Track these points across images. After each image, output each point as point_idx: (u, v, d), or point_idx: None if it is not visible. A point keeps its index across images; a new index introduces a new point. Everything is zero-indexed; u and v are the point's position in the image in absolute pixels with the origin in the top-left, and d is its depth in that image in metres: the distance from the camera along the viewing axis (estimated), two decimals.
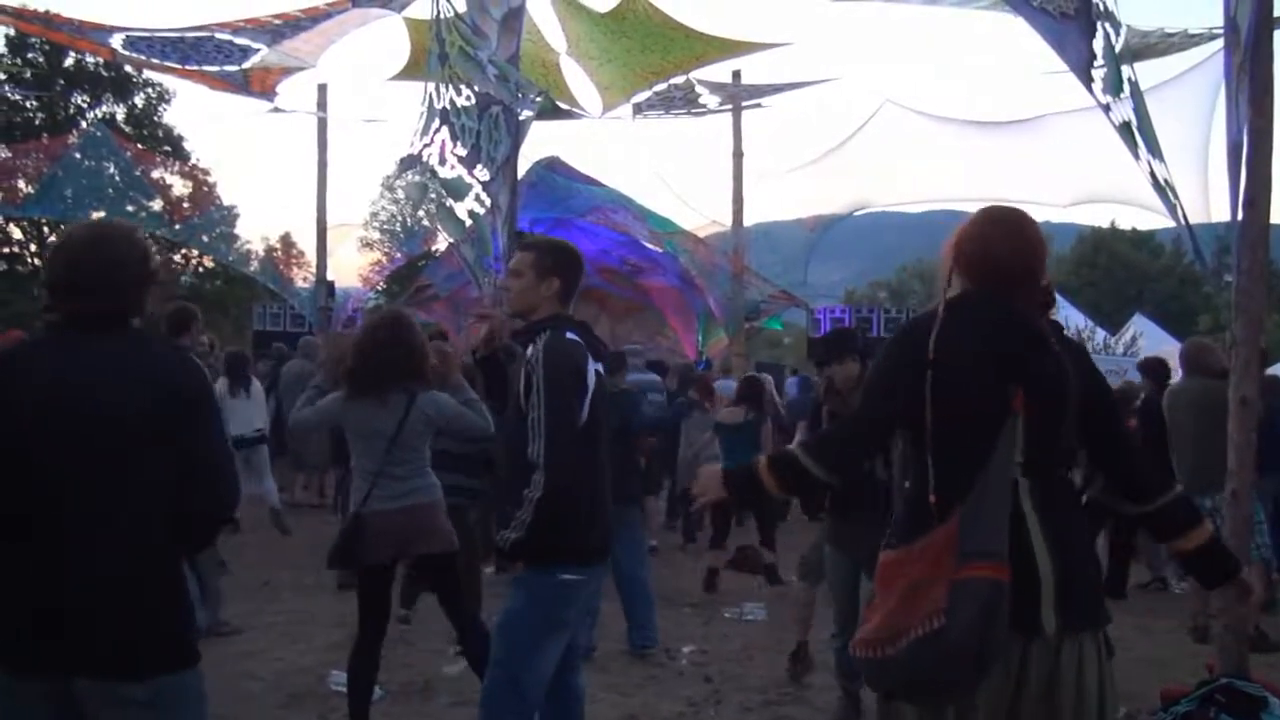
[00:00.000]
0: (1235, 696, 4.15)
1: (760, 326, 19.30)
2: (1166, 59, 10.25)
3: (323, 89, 14.75)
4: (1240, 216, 3.98)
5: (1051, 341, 2.26)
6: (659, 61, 10.79)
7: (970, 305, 2.27)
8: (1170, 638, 6.34)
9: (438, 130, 9.64)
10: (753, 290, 15.34)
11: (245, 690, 4.90)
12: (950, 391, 2.19)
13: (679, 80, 11.12)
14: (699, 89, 11.59)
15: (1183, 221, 4.35)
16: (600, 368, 3.16)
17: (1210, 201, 8.95)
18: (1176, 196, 4.27)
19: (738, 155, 14.59)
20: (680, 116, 12.68)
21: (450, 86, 9.36)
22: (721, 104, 12.52)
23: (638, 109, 11.59)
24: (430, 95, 9.62)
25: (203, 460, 2.19)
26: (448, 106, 9.50)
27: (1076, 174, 11.36)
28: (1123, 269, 47.69)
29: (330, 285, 16.24)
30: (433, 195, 10.11)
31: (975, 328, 2.22)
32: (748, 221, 15.03)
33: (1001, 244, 2.29)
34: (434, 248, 19.79)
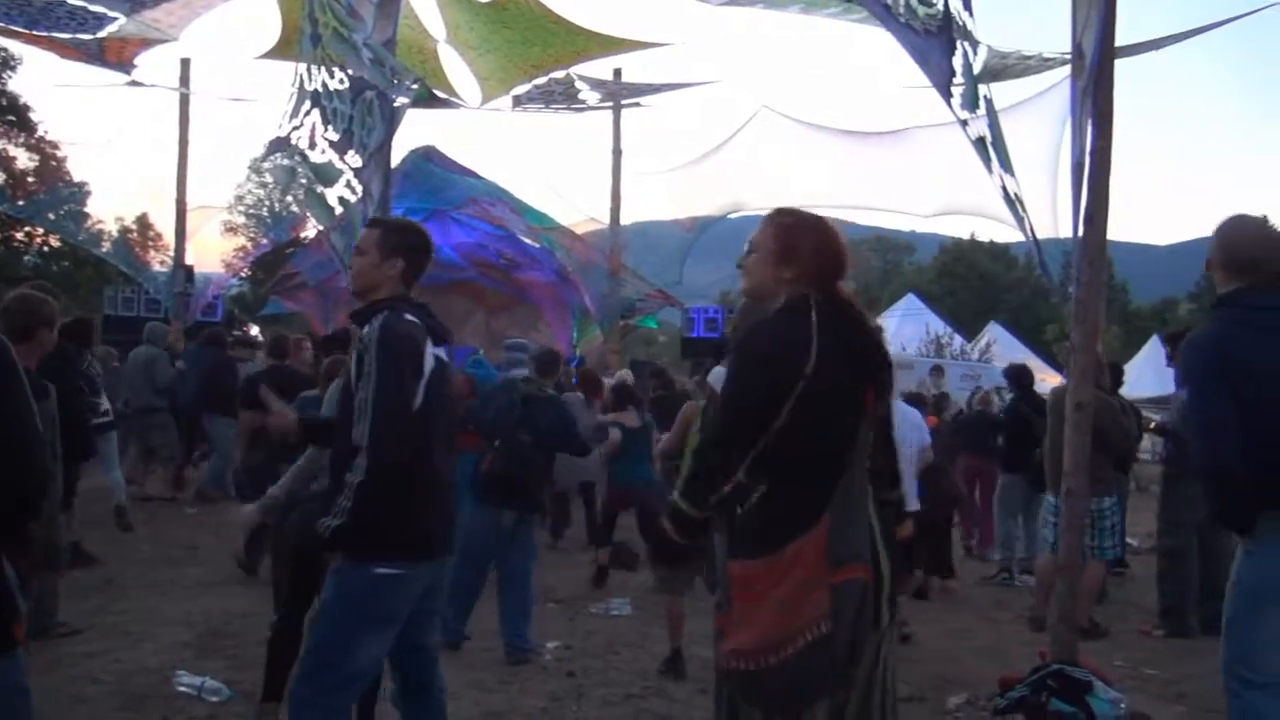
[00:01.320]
0: (1065, 681, 4.42)
1: (635, 325, 19.43)
2: (1024, 80, 10.82)
3: (186, 63, 14.10)
4: (1080, 232, 4.23)
5: (876, 327, 2.40)
6: (540, 55, 10.70)
7: (827, 308, 2.28)
8: (1012, 628, 6.70)
9: (308, 113, 9.32)
10: (629, 288, 15.46)
11: (82, 693, 4.63)
12: (821, 403, 2.20)
13: (559, 75, 11.06)
14: (579, 85, 11.56)
15: (1030, 234, 4.60)
16: (441, 352, 3.02)
17: (1059, 217, 9.47)
18: (1025, 210, 4.51)
19: (617, 153, 14.67)
20: (560, 112, 12.63)
21: (322, 68, 9.07)
22: (602, 101, 12.53)
23: (517, 102, 11.48)
24: (301, 76, 9.30)
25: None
26: (319, 89, 9.20)
27: (939, 186, 11.85)
28: (980, 279, 50.11)
29: (189, 270, 15.55)
30: (302, 180, 9.78)
31: (837, 334, 2.25)
32: (625, 220, 15.14)
33: (833, 245, 2.38)
34: (302, 234, 19.17)
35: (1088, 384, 4.33)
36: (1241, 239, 3.20)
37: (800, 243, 2.36)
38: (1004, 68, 10.76)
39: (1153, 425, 6.72)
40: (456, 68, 11.11)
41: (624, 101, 13.72)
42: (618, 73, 13.21)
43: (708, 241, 15.97)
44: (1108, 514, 6.33)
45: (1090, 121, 4.19)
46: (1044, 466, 6.34)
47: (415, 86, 9.33)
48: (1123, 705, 4.50)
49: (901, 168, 12.24)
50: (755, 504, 2.25)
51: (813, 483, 2.20)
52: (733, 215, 15.13)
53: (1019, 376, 8.84)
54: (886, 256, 66.52)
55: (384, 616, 2.86)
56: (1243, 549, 3.10)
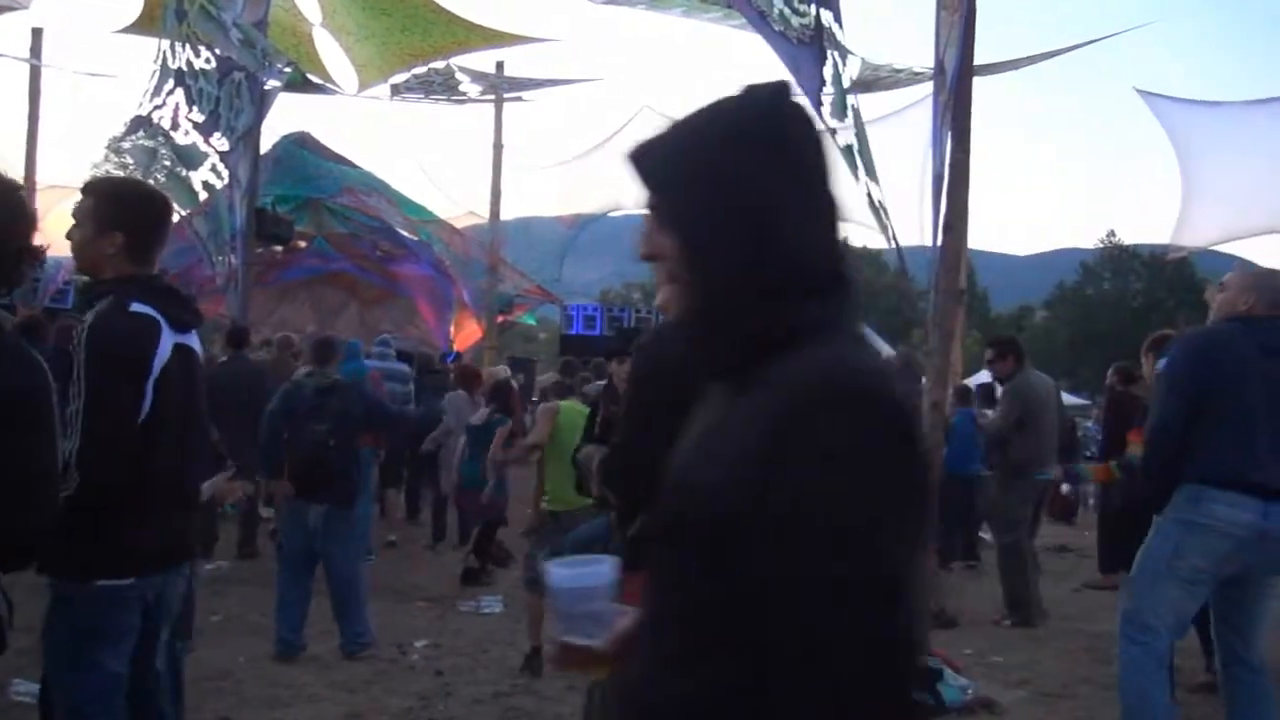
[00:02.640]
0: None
1: (516, 321, 19.32)
2: (898, 91, 11.24)
3: (38, 33, 13.27)
4: (939, 241, 4.43)
5: None
6: (419, 44, 10.54)
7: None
8: None
9: (171, 92, 8.95)
10: (507, 284, 15.34)
11: None
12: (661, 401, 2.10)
13: (440, 65, 10.91)
14: (460, 76, 11.43)
15: (892, 240, 4.79)
16: (190, 340, 2.71)
17: (924, 226, 9.88)
18: (888, 217, 4.70)
19: (498, 147, 14.54)
20: (440, 103, 12.46)
21: (187, 46, 8.71)
22: (483, 94, 12.43)
23: (395, 91, 11.28)
24: (165, 54, 8.92)
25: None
26: (184, 68, 8.84)
27: None
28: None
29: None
30: (165, 162, 9.37)
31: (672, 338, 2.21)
32: (506, 215, 15.01)
33: None
34: None
35: (943, 385, 4.54)
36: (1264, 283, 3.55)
37: None
38: (876, 79, 11.17)
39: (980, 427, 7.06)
40: (332, 53, 10.84)
41: (506, 95, 13.63)
42: (500, 66, 13.10)
43: (588, 239, 16.00)
44: None
45: (949, 135, 4.39)
46: None
47: (288, 70, 9.06)
48: (969, 691, 4.73)
49: None
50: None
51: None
52: (613, 213, 15.20)
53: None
54: None
55: (109, 632, 2.62)
56: (1156, 522, 3.47)
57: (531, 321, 20.32)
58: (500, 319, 16.19)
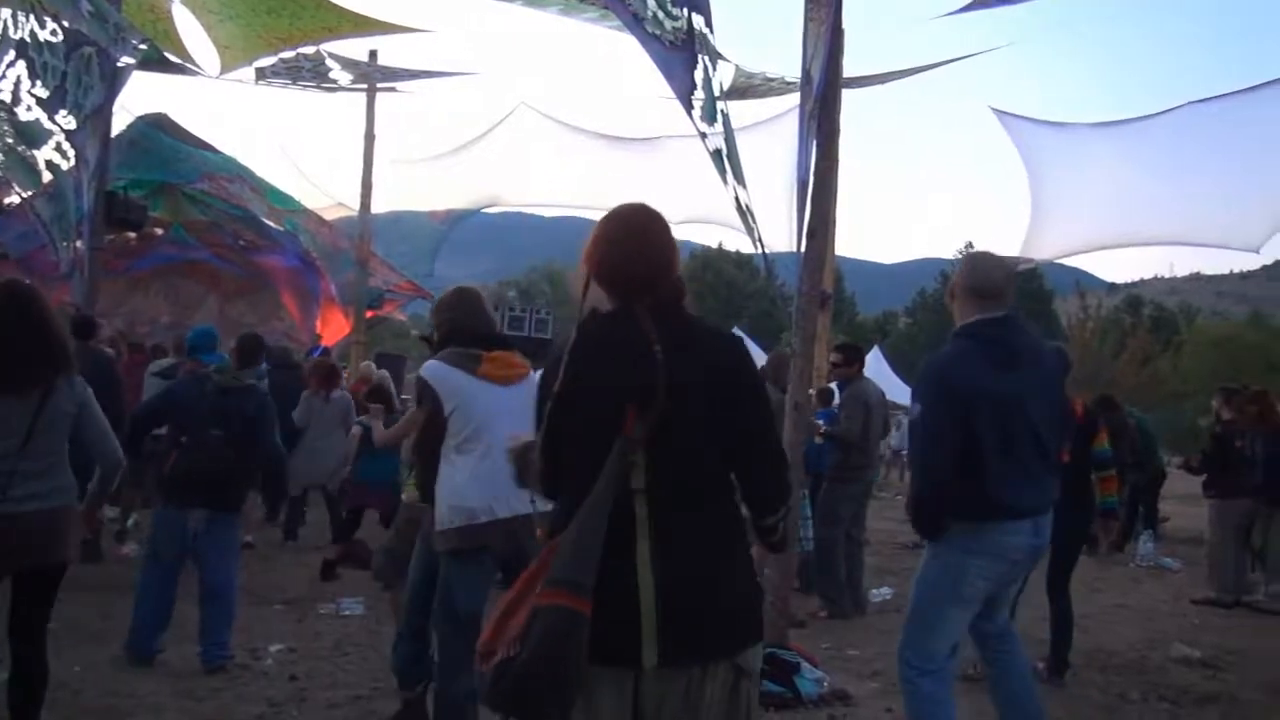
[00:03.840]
0: (776, 663, 4.73)
1: (388, 316, 18.87)
2: (773, 100, 11.48)
3: None
4: (803, 246, 4.54)
5: (658, 358, 2.07)
6: (287, 27, 10.14)
7: (595, 325, 2.16)
8: None
9: (12, 64, 8.35)
10: (378, 278, 14.97)
11: None
12: (573, 421, 2.11)
13: (309, 51, 10.54)
14: (330, 63, 11.08)
15: (759, 244, 4.89)
16: None
17: (793, 232, 10.12)
18: (755, 221, 4.79)
19: (369, 137, 14.17)
20: (309, 90, 12.05)
21: (30, 16, 8.15)
22: (354, 82, 12.08)
23: (261, 75, 10.83)
24: (4, 22, 8.32)
25: None
26: (26, 39, 8.26)
27: (687, 194, 12.32)
28: (726, 287, 52.68)
29: None
30: (6, 139, 8.75)
31: (600, 351, 2.12)
32: (376, 208, 14.65)
33: (621, 246, 2.19)
34: (5, 200, 17.10)
35: (804, 385, 4.66)
36: (993, 270, 3.55)
37: (588, 249, 2.22)
38: (750, 87, 11.39)
39: (822, 430, 7.27)
40: (193, 32, 10.34)
41: (379, 85, 13.29)
42: (373, 54, 12.77)
43: (461, 235, 15.78)
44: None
45: (815, 143, 4.50)
46: None
47: (143, 47, 8.59)
48: (825, 683, 4.88)
49: (653, 175, 12.63)
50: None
51: (564, 499, 2.12)
52: (487, 210, 15.03)
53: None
54: None
55: None
56: (929, 551, 3.52)
57: (403, 318, 19.89)
58: (370, 314, 15.79)
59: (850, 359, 7.56)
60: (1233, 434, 8.75)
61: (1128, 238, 9.83)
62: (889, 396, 9.18)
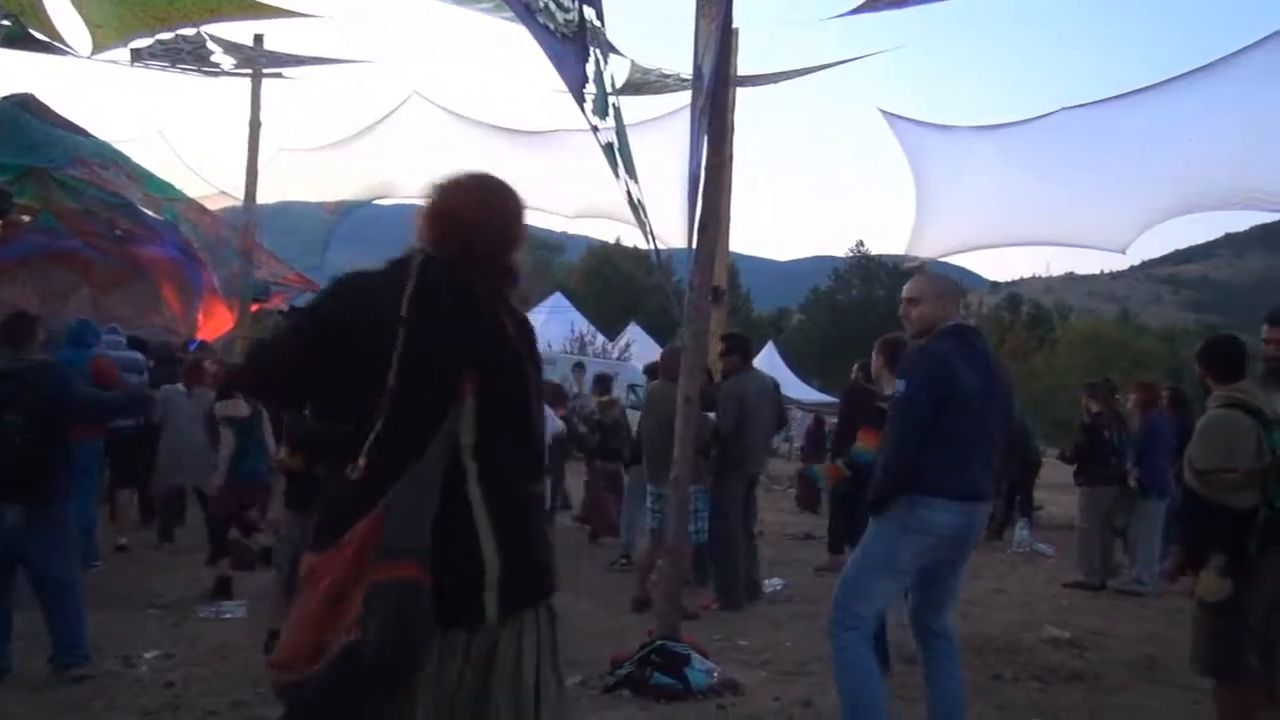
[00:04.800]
0: (666, 655, 4.77)
1: (275, 310, 18.29)
2: (669, 95, 11.54)
3: None
4: (694, 241, 4.57)
5: (508, 328, 2.14)
6: (165, 7, 9.68)
7: (442, 274, 2.10)
8: (631, 611, 7.09)
9: None
10: (264, 270, 14.50)
11: None
12: (414, 364, 2.00)
13: (188, 32, 10.09)
14: (212, 46, 10.64)
15: (650, 238, 4.91)
16: None
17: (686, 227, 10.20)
18: (647, 215, 4.81)
19: (255, 125, 13.70)
20: (189, 73, 11.55)
21: None
22: (238, 67, 11.64)
23: (137, 56, 10.32)
24: None
25: None
26: None
27: (582, 188, 12.30)
28: (623, 282, 52.81)
29: None
30: None
31: (446, 299, 2.07)
32: (263, 198, 14.18)
33: (474, 213, 2.18)
34: None
35: (695, 380, 4.70)
36: (953, 283, 4.05)
37: (433, 209, 2.22)
38: (646, 83, 11.43)
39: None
40: (62, 8, 9.79)
41: (265, 70, 12.84)
42: (259, 39, 12.34)
43: (353, 226, 15.40)
44: (693, 499, 6.93)
45: (705, 139, 4.54)
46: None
47: (5, 23, 8.13)
48: (715, 674, 4.94)
49: (549, 168, 12.56)
50: (340, 489, 2.06)
51: (384, 461, 1.97)
52: (379, 201, 14.71)
53: (653, 373, 9.39)
54: (537, 254, 68.09)
55: None
56: (872, 525, 3.81)
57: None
58: (255, 308, 15.28)
59: (729, 348, 7.59)
60: (1100, 426, 9.23)
61: (1005, 238, 10.22)
62: (784, 392, 9.33)
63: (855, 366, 7.15)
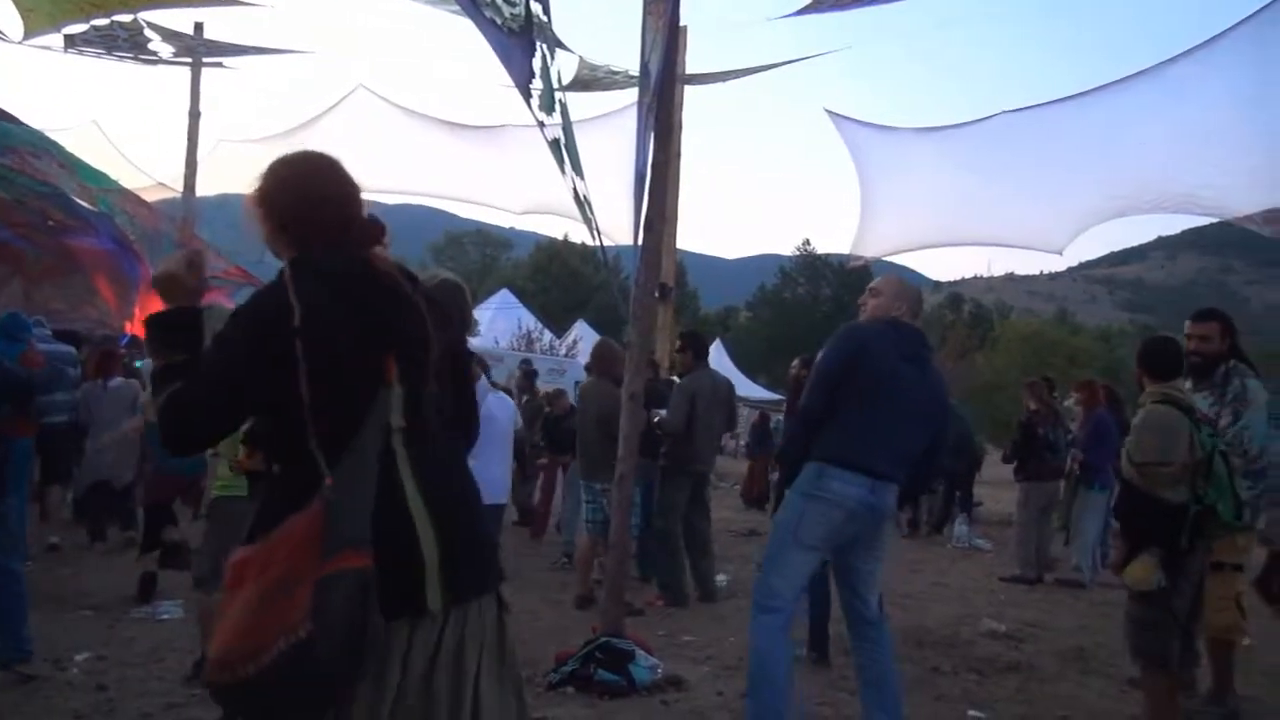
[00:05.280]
0: (610, 652, 4.78)
1: (215, 304, 17.93)
2: (619, 92, 11.53)
3: None
4: (640, 239, 4.58)
5: (409, 294, 2.07)
6: None
7: (320, 264, 2.02)
8: (575, 609, 7.09)
9: None
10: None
11: None
12: (322, 362, 1.92)
13: (125, 19, 9.86)
14: (150, 34, 10.40)
15: (595, 234, 4.91)
16: None
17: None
18: (593, 212, 4.81)
19: (194, 115, 13.44)
20: (126, 61, 11.29)
21: None
22: (177, 55, 11.40)
23: (70, 42, 10.07)
24: None
25: None
26: None
27: (530, 184, 12.25)
28: (571, 278, 52.68)
29: None
30: None
31: (336, 288, 1.99)
32: (204, 190, 13.91)
33: (320, 189, 2.09)
34: None
35: (640, 377, 4.71)
36: (918, 291, 4.11)
37: (269, 198, 2.09)
38: (594, 79, 11.41)
39: (656, 421, 7.39)
40: None
41: (205, 60, 12.60)
42: (199, 28, 12.09)
43: None
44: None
45: (652, 136, 4.55)
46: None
47: None
48: (659, 670, 4.96)
49: (496, 163, 12.48)
50: (272, 483, 2.06)
51: (313, 457, 1.92)
52: None
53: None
54: (485, 250, 67.68)
55: None
56: (786, 495, 3.89)
57: (231, 306, 18.96)
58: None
59: (684, 346, 7.64)
60: (1034, 423, 9.45)
61: (947, 238, 10.41)
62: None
63: (796, 362, 7.23)
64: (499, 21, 4.47)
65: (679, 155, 12.47)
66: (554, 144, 4.56)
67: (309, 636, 1.77)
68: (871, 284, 4.08)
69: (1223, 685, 4.91)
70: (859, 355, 3.79)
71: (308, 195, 2.08)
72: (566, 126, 4.68)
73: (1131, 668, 4.98)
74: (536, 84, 4.40)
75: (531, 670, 5.05)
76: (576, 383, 16.03)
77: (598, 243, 5.03)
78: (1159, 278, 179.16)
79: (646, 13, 4.57)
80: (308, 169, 2.14)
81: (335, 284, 2.00)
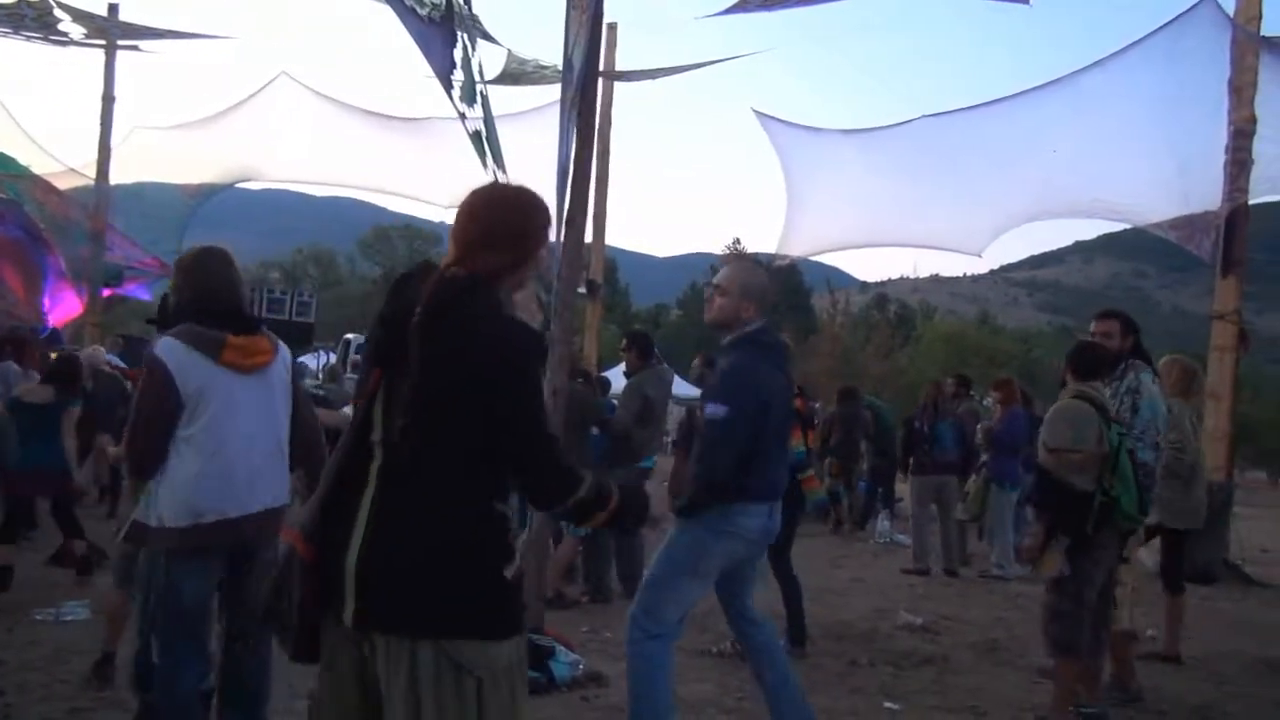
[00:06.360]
0: (531, 649, 4.74)
1: (129, 296, 17.38)
2: (548, 87, 11.46)
3: None
4: (561, 235, 4.56)
5: (413, 325, 2.04)
6: None
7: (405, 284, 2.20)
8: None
9: None
10: (118, 253, 13.78)
11: None
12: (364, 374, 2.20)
13: None
14: (59, 14, 10.03)
15: None
16: None
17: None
18: None
19: (108, 99, 13.01)
20: (35, 41, 10.86)
21: None
22: (89, 37, 11.00)
23: None
24: None
25: None
26: None
27: (457, 177, 12.12)
28: None
29: None
30: None
31: (387, 305, 2.16)
32: (116, 178, 13.46)
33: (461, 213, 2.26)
34: None
35: (562, 372, 4.70)
36: (767, 279, 3.94)
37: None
38: (523, 73, 11.33)
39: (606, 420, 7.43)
40: None
41: (120, 43, 12.19)
42: (113, 9, 11.72)
43: (216, 211, 14.79)
44: None
45: (575, 130, 4.53)
46: None
47: None
48: (580, 666, 4.95)
49: (423, 155, 12.33)
50: None
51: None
52: (245, 185, 14.16)
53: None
54: (414, 245, 66.81)
55: None
56: (677, 526, 3.80)
57: (147, 298, 18.38)
58: (108, 293, 14.51)
59: (629, 345, 7.67)
60: (912, 417, 9.76)
61: (869, 238, 10.59)
62: None
63: (697, 360, 7.32)
64: (420, 11, 4.41)
65: (608, 153, 12.49)
66: (475, 136, 4.51)
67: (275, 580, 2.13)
68: (716, 279, 3.88)
69: (1124, 673, 5.11)
70: (756, 406, 3.66)
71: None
72: (488, 119, 4.64)
73: (1044, 658, 5.16)
74: (458, 75, 4.35)
75: None
76: None
77: None
78: (1076, 281, 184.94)
79: (570, 7, 4.55)
80: (474, 196, 2.27)
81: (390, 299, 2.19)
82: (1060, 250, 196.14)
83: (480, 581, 2.03)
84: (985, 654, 6.16)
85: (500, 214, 2.16)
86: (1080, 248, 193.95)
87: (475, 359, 2.01)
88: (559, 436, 3.03)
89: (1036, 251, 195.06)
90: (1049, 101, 8.40)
